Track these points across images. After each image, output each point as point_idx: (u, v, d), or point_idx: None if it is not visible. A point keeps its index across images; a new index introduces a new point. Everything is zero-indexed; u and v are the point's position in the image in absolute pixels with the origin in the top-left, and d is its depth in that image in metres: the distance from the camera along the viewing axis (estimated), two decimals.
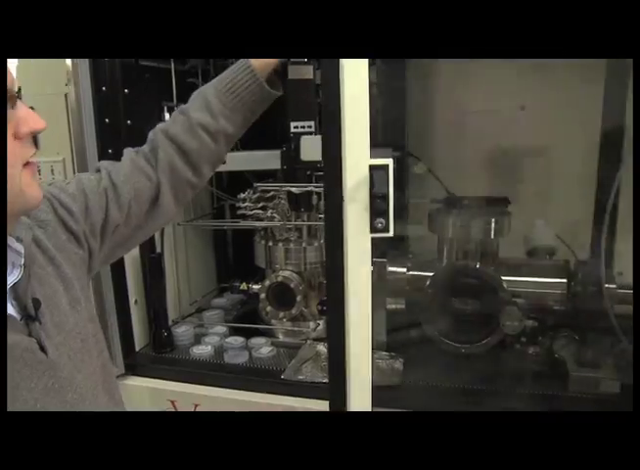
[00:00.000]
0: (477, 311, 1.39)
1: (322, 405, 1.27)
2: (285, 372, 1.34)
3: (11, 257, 0.71)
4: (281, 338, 1.56)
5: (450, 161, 1.76)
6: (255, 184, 1.50)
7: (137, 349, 1.52)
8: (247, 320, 1.64)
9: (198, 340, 1.58)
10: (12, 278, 0.70)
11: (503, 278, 1.34)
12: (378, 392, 1.22)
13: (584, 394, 1.21)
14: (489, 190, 1.51)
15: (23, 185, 0.67)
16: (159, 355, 1.52)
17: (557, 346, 1.31)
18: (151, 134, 0.96)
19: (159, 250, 1.58)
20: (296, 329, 1.54)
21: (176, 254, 1.66)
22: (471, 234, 1.36)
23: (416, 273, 1.41)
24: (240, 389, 1.35)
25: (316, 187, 1.44)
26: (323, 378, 1.29)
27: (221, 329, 1.61)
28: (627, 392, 1.17)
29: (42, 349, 0.71)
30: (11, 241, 0.72)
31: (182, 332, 1.58)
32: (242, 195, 1.49)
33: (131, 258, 1.49)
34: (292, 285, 1.45)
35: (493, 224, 1.36)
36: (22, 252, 0.72)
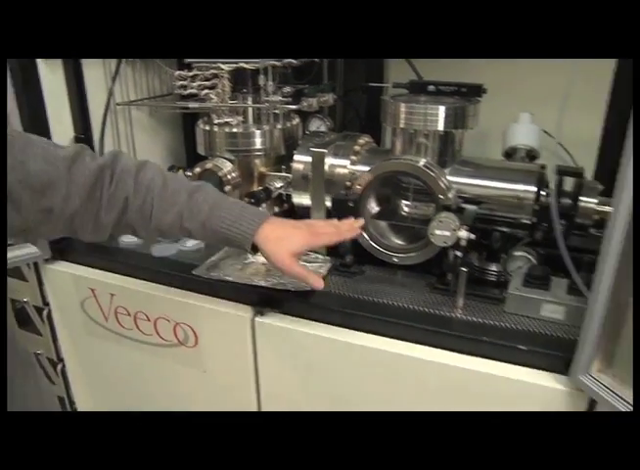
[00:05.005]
0: (415, 217, 1.18)
1: (228, 306, 1.15)
2: (197, 268, 1.20)
3: None
4: None
5: None
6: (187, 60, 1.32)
7: None
8: None
9: None
10: None
11: (455, 179, 1.11)
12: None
13: (523, 315, 1.01)
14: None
15: None
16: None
17: (512, 266, 1.09)
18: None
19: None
20: None
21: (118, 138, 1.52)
22: (423, 124, 1.12)
23: (358, 167, 1.20)
24: (149, 280, 1.25)
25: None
26: (239, 278, 1.14)
27: None
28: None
29: None
30: None
31: None
32: (176, 72, 1.31)
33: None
34: (220, 173, 1.27)
35: (454, 114, 1.11)
36: None
